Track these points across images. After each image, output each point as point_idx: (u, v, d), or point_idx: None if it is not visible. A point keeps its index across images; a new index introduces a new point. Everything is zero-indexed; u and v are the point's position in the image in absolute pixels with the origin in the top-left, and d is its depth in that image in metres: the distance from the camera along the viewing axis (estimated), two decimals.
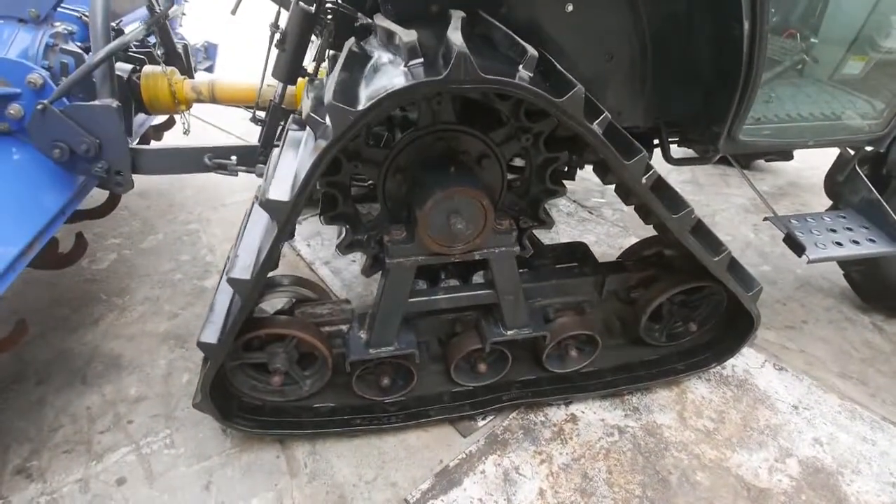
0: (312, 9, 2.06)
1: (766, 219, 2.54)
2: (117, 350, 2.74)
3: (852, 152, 2.57)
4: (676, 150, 2.62)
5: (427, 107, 1.74)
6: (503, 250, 1.89)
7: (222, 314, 1.83)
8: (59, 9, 2.45)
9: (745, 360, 2.73)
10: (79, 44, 2.61)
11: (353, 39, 1.73)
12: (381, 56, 1.60)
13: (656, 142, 2.64)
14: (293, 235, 2.05)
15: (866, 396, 2.55)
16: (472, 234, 1.79)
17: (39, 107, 2.05)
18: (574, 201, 4.20)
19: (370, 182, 1.93)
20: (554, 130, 1.88)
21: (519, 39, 1.57)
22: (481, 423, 2.38)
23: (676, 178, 4.58)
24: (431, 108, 1.74)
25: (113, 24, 2.49)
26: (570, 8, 2.00)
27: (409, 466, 2.21)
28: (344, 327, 2.24)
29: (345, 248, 1.96)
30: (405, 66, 1.43)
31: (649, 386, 2.52)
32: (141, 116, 2.98)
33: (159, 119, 3.29)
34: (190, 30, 4.18)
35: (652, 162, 1.79)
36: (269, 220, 1.59)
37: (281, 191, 1.52)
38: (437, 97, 1.70)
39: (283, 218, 1.52)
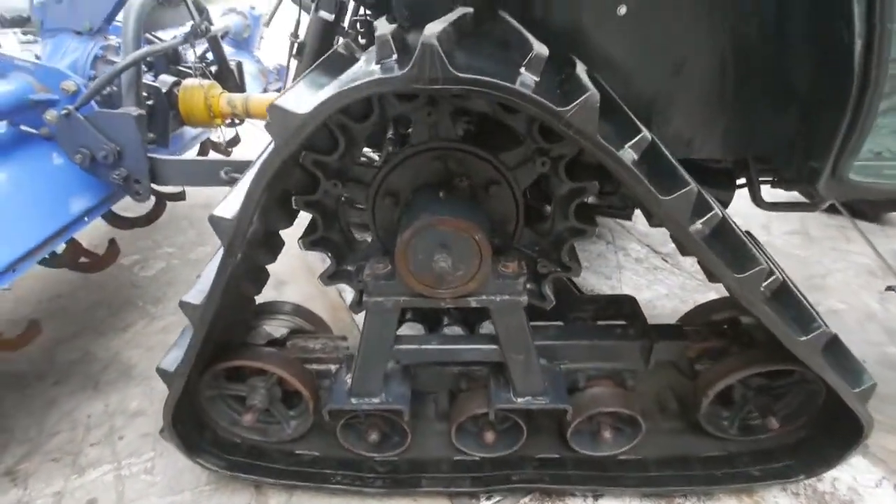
0: (332, 17, 1.88)
1: (889, 288, 1.90)
2: (134, 359, 2.71)
3: None
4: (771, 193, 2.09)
5: (421, 119, 1.46)
6: (506, 299, 1.52)
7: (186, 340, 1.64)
8: (116, 23, 2.53)
9: (853, 474, 2.04)
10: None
11: (343, 41, 1.51)
12: (364, 58, 1.35)
13: (743, 181, 2.13)
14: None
15: None
16: (463, 276, 1.45)
17: (64, 112, 2.07)
18: (646, 245, 3.64)
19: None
20: (580, 155, 1.50)
21: (529, 36, 1.24)
22: (484, 503, 1.96)
23: (780, 227, 3.84)
24: (426, 122, 1.45)
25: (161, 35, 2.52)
26: (623, 10, 1.62)
27: None
28: (334, 367, 1.98)
29: (327, 278, 1.71)
30: (375, 64, 1.16)
31: (710, 491, 1.95)
32: (190, 130, 3.02)
33: (224, 133, 3.34)
34: (266, 53, 4.33)
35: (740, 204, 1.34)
36: None
37: (229, 207, 1.30)
38: (430, 108, 1.41)
39: (229, 237, 1.30)
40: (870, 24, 1.36)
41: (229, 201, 1.33)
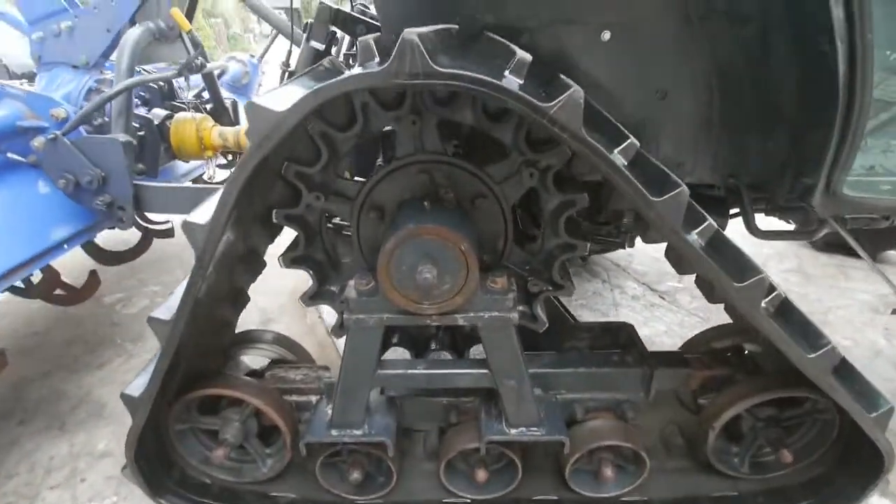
0: (322, 47, 1.91)
1: (895, 311, 1.82)
2: (105, 398, 2.56)
3: None
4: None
5: (407, 131, 1.43)
6: (495, 316, 1.44)
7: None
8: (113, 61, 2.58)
9: None
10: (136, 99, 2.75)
11: (328, 58, 1.51)
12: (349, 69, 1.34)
13: (737, 210, 2.09)
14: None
15: None
16: (449, 290, 1.38)
17: (51, 136, 2.06)
18: (643, 283, 3.57)
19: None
20: (569, 167, 1.46)
21: (514, 47, 1.23)
22: None
23: (777, 266, 3.79)
24: (411, 132, 1.43)
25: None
26: (606, 37, 1.64)
27: None
28: (315, 398, 1.86)
29: (308, 298, 1.63)
30: (358, 66, 1.15)
31: None
32: (182, 165, 3.02)
33: (214, 170, 3.34)
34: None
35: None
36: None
37: (203, 213, 1.25)
38: (415, 116, 1.38)
39: (201, 244, 1.24)
40: (851, 36, 1.37)
41: (204, 207, 1.27)
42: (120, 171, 2.13)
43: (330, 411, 1.71)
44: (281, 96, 1.14)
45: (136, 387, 1.53)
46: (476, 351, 1.77)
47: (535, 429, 1.65)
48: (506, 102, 1.11)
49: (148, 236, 3.13)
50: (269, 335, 2.03)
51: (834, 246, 3.84)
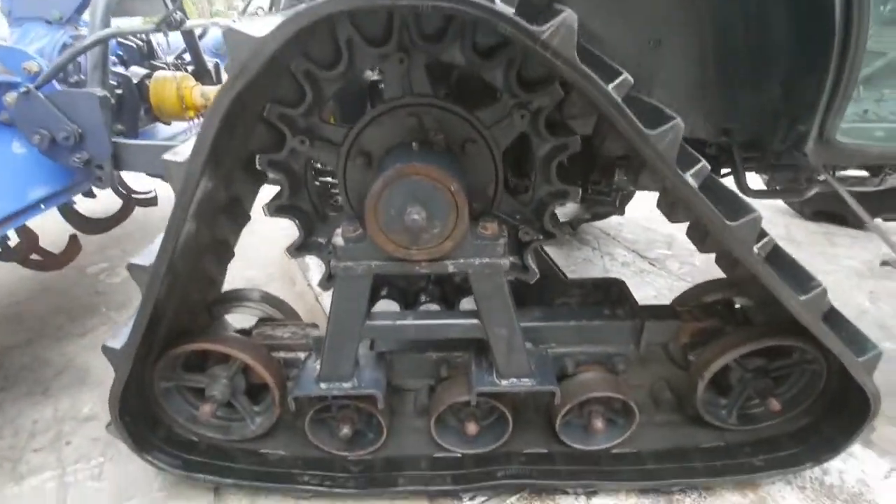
0: None
1: (885, 262, 1.83)
2: (90, 364, 2.51)
3: None
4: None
5: (394, 71, 1.38)
6: (486, 262, 1.41)
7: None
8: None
9: (861, 466, 1.91)
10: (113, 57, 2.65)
11: None
12: None
13: (728, 171, 2.08)
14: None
15: None
16: (438, 235, 1.35)
17: (24, 90, 1.98)
18: (633, 251, 3.57)
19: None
20: (561, 110, 1.43)
21: None
22: (467, 503, 1.79)
23: None
24: (399, 72, 1.38)
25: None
26: None
27: None
28: (303, 355, 1.83)
29: (294, 250, 1.59)
30: None
31: (710, 484, 1.80)
32: (164, 129, 2.93)
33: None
34: None
35: None
36: None
37: (182, 151, 1.20)
38: (402, 54, 1.33)
39: (179, 184, 1.19)
40: None
41: (184, 147, 1.22)
42: (97, 127, 2.06)
43: (318, 366, 1.68)
44: (261, 23, 1.09)
45: (118, 339, 1.49)
46: (466, 304, 1.74)
47: (526, 380, 1.64)
48: (497, 32, 1.07)
49: (129, 204, 3.05)
50: (256, 293, 1.99)
51: (821, 214, 3.86)
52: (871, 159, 1.64)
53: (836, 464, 1.90)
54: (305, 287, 3.18)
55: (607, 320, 1.79)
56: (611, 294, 1.96)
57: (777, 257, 1.39)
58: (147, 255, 1.34)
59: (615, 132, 1.42)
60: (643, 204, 3.75)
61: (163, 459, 1.73)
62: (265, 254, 3.54)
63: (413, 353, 1.80)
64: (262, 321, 1.96)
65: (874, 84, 1.62)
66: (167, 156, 1.20)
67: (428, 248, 1.37)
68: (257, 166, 1.44)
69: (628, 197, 3.29)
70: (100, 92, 2.04)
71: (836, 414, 1.74)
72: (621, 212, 3.54)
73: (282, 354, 1.84)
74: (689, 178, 1.25)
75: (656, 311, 1.83)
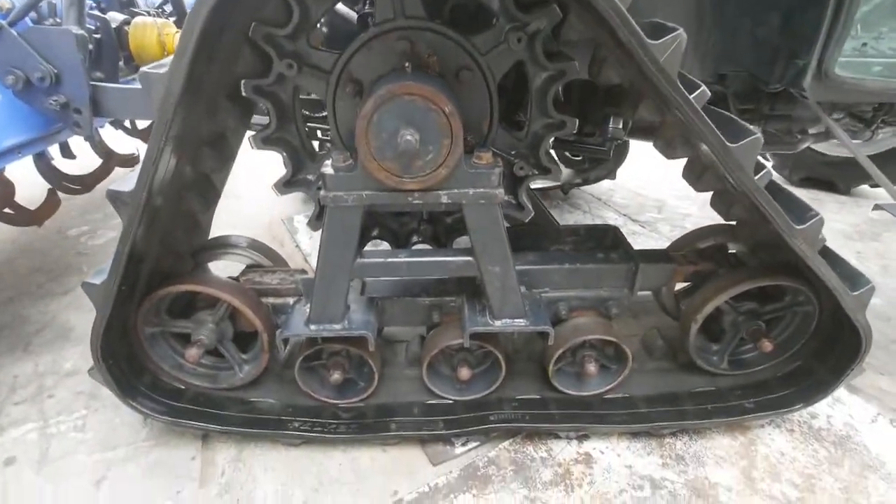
0: None
1: (877, 206, 1.83)
2: (73, 322, 2.45)
3: None
4: None
5: None
6: (481, 192, 1.37)
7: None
8: None
9: (848, 411, 1.94)
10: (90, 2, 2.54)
11: None
12: None
13: None
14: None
15: None
16: (432, 162, 1.30)
17: None
18: (624, 215, 3.57)
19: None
20: (557, 37, 1.38)
21: None
22: (459, 449, 1.78)
23: None
24: None
25: None
26: None
27: (352, 495, 1.65)
28: (293, 300, 1.79)
29: (283, 185, 1.54)
30: None
31: (701, 427, 1.81)
32: None
33: None
34: None
35: None
36: None
37: (162, 65, 1.14)
38: None
39: (160, 97, 1.13)
40: None
41: (165, 63, 1.16)
42: (74, 68, 1.96)
43: (308, 309, 1.64)
44: None
45: (99, 275, 1.43)
46: (459, 244, 1.71)
47: (519, 320, 1.62)
48: None
49: (110, 162, 2.96)
50: (243, 240, 1.94)
51: (809, 181, 3.88)
52: (869, 95, 1.63)
53: (823, 408, 1.93)
54: (294, 248, 3.13)
55: (602, 263, 1.77)
56: (605, 240, 1.94)
57: (774, 188, 1.37)
58: (127, 182, 1.28)
59: (614, 57, 1.38)
60: (634, 171, 3.76)
61: (148, 406, 1.69)
62: (252, 216, 3.47)
63: (405, 297, 1.77)
64: (250, 268, 1.91)
65: (873, 21, 1.60)
66: (147, 68, 1.14)
67: (421, 177, 1.33)
68: (242, 92, 1.38)
69: (621, 157, 3.28)
70: (76, 30, 1.95)
71: (827, 355, 1.75)
72: (613, 176, 3.54)
73: (270, 300, 1.79)
74: (691, 98, 1.22)
75: (651, 255, 1.82)
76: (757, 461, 1.73)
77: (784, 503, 1.60)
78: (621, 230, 1.94)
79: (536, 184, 3.36)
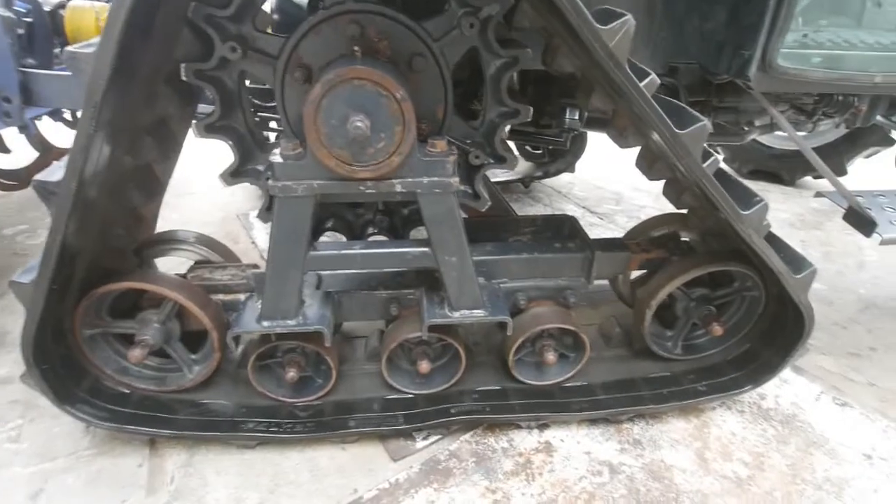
0: None
1: (818, 194, 1.91)
2: (8, 326, 2.29)
3: None
4: None
5: None
6: (435, 181, 1.35)
7: None
8: None
9: (794, 391, 2.02)
10: None
11: None
12: None
13: None
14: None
15: None
16: (384, 149, 1.27)
17: None
18: (583, 207, 3.62)
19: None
20: (510, 23, 1.37)
21: None
22: (420, 443, 1.76)
23: None
24: None
25: None
26: None
27: (309, 495, 1.60)
28: (244, 297, 1.72)
29: (229, 176, 1.47)
30: None
31: (657, 412, 1.85)
32: None
33: None
34: None
35: None
36: None
37: (92, 44, 1.06)
38: None
39: (88, 76, 1.05)
40: None
41: (95, 43, 1.08)
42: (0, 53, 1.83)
43: (260, 305, 1.58)
44: None
45: (28, 273, 1.33)
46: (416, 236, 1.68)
47: (478, 311, 1.61)
48: None
49: (48, 156, 2.78)
50: (192, 235, 1.85)
51: (757, 173, 4.04)
52: (810, 86, 1.69)
53: (771, 389, 2.00)
54: (249, 245, 3.03)
55: (559, 253, 1.78)
56: (562, 230, 1.95)
57: (722, 175, 1.40)
58: (54, 171, 1.20)
59: (566, 45, 1.38)
60: (593, 164, 3.82)
61: (88, 413, 1.59)
62: (206, 213, 3.34)
63: (362, 291, 1.73)
64: (199, 264, 1.82)
65: (812, 14, 1.67)
66: (73, 48, 1.06)
67: (373, 165, 1.29)
68: (182, 76, 1.31)
69: (579, 150, 3.33)
70: (2, 11, 1.82)
71: (774, 338, 1.82)
72: (572, 170, 3.59)
73: (221, 297, 1.72)
74: (641, 85, 1.23)
75: (606, 244, 1.84)
76: (710, 442, 1.78)
77: (735, 482, 1.65)
78: (579, 221, 1.96)
79: (498, 177, 3.43)
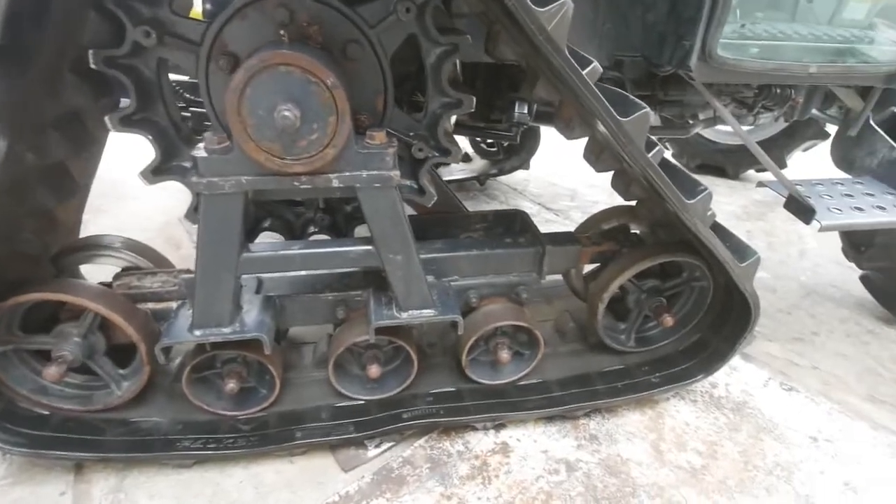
0: None
1: (760, 184, 1.95)
2: None
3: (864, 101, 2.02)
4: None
5: None
6: (375, 174, 1.28)
7: None
8: None
9: (744, 378, 2.05)
10: None
11: None
12: None
13: None
14: None
15: None
16: (318, 141, 1.19)
17: None
18: (538, 203, 3.62)
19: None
20: (448, 6, 1.32)
21: None
22: (372, 451, 1.68)
23: None
24: None
25: None
26: None
27: None
28: (176, 304, 1.60)
29: (150, 173, 1.35)
30: None
31: (612, 405, 1.84)
32: None
33: None
34: None
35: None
36: None
37: None
38: None
39: None
40: None
41: None
42: None
43: (192, 314, 1.47)
44: None
45: None
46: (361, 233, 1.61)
47: (427, 311, 1.55)
48: None
49: None
50: (118, 240, 1.71)
51: (705, 167, 4.15)
52: (748, 76, 1.71)
53: (722, 378, 2.03)
54: (193, 251, 2.86)
55: (510, 248, 1.73)
56: (514, 225, 1.92)
57: (667, 165, 1.39)
58: None
59: (507, 32, 1.34)
60: (548, 161, 3.84)
61: (1, 438, 1.43)
62: (146, 217, 3.14)
63: (306, 294, 1.64)
64: (127, 271, 1.69)
65: (749, 6, 1.70)
66: None
67: (306, 158, 1.21)
68: (91, 64, 1.19)
69: (533, 146, 3.32)
70: None
71: (722, 326, 1.83)
72: (527, 167, 3.59)
73: (150, 306, 1.59)
74: (584, 73, 1.20)
75: (557, 238, 1.82)
76: (665, 433, 1.78)
77: (690, 472, 1.65)
78: (532, 217, 1.93)
79: (454, 175, 3.38)
